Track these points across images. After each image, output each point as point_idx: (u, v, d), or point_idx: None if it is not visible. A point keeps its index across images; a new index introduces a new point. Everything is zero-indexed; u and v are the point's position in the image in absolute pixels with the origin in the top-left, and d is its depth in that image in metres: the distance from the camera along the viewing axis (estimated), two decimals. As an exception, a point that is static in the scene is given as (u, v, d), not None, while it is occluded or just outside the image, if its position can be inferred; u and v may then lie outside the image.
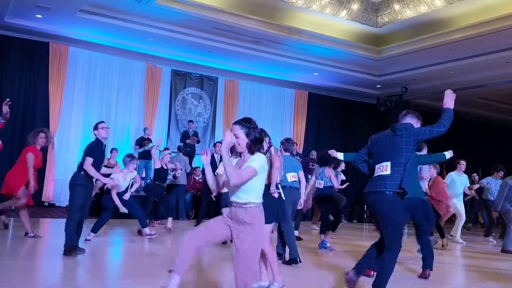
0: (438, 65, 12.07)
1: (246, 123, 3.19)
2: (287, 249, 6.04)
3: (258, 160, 3.12)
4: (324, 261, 6.55)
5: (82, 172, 5.72)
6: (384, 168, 4.02)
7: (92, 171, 5.70)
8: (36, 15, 9.92)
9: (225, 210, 3.31)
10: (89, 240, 6.79)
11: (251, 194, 3.13)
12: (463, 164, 9.33)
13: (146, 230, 7.42)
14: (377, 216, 4.16)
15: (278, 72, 13.56)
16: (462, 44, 10.55)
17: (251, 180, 3.09)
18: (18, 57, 11.18)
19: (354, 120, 15.93)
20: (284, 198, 4.89)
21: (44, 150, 10.45)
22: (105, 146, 6.02)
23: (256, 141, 3.17)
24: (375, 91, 14.95)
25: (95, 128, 5.93)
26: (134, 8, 9.69)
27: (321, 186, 7.49)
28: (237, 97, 14.06)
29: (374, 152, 4.26)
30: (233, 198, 3.17)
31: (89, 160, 5.68)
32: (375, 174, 4.10)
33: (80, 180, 5.72)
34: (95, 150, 5.84)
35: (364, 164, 4.43)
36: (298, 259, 5.94)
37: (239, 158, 3.28)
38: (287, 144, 6.47)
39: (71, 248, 5.60)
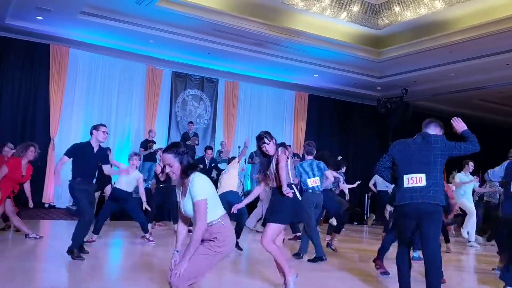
0: (438, 67, 12.08)
1: (177, 149, 3.12)
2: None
3: (198, 187, 3.08)
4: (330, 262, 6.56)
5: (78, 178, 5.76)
6: (419, 180, 4.05)
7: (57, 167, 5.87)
8: (37, 17, 9.93)
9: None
10: (93, 241, 6.81)
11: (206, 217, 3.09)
12: (471, 165, 9.20)
13: (147, 235, 7.42)
14: (422, 226, 4.09)
15: (279, 74, 13.57)
16: (462, 46, 10.57)
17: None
18: (18, 58, 11.19)
19: (355, 122, 15.93)
20: (300, 198, 4.81)
21: (44, 152, 10.51)
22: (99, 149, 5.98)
23: (190, 167, 3.12)
24: (375, 93, 14.95)
25: (96, 128, 5.84)
26: (135, 10, 9.70)
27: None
28: (237, 99, 14.06)
29: (401, 160, 4.24)
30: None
31: (63, 159, 5.82)
32: (408, 185, 4.10)
33: (75, 186, 5.77)
34: (78, 152, 5.83)
35: (388, 171, 4.41)
36: (323, 257, 6.25)
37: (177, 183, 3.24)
38: (308, 147, 6.56)
39: (73, 250, 5.58)
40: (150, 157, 11.23)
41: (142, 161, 11.36)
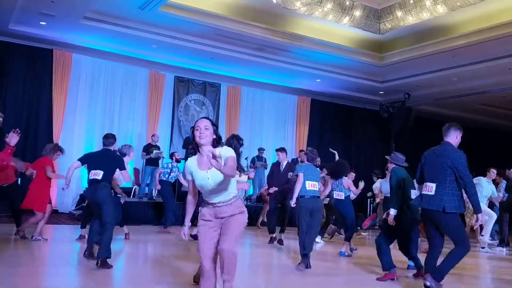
0: (440, 71, 12.08)
1: (214, 122, 3.53)
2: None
3: (229, 150, 3.39)
4: (334, 267, 6.53)
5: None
6: (430, 189, 4.63)
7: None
8: (40, 22, 9.98)
9: (204, 215, 3.43)
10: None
11: (232, 190, 3.41)
12: (493, 172, 9.18)
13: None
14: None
15: (281, 78, 13.59)
16: (465, 51, 10.57)
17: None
18: (22, 63, 11.24)
19: (357, 126, 15.93)
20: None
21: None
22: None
23: (220, 139, 3.48)
24: (377, 97, 14.95)
25: (115, 141, 6.13)
26: (138, 15, 9.74)
27: (342, 198, 7.56)
28: (239, 104, 14.08)
29: (423, 167, 4.82)
30: (215, 200, 3.39)
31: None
32: (423, 192, 4.69)
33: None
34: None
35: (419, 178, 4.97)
36: (308, 264, 6.06)
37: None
38: (311, 155, 6.61)
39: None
40: (152, 162, 11.23)
41: (144, 165, 11.38)
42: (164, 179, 9.77)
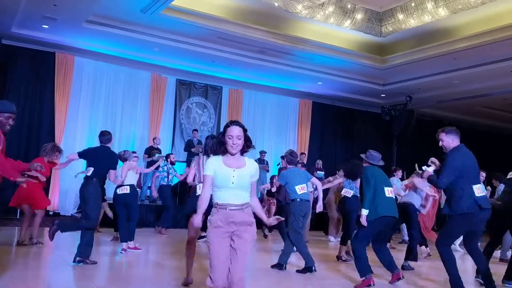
0: (442, 74, 12.07)
1: (245, 128, 3.46)
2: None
3: (258, 170, 3.48)
4: (337, 270, 6.53)
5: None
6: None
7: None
8: (43, 26, 10.01)
9: (215, 222, 3.30)
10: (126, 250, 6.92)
11: (247, 196, 3.38)
12: (482, 175, 9.03)
13: (124, 245, 7.16)
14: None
15: (283, 81, 13.60)
16: (466, 54, 10.57)
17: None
18: (24, 66, 11.26)
19: (359, 129, 15.92)
20: None
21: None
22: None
23: (250, 144, 3.47)
24: (379, 100, 14.95)
25: (112, 138, 6.17)
26: (140, 18, 9.77)
27: (350, 195, 7.36)
28: (241, 106, 14.10)
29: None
30: (229, 202, 3.29)
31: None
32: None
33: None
34: None
35: None
36: (313, 268, 6.00)
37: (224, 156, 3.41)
38: (291, 157, 6.53)
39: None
40: (154, 164, 11.22)
41: (145, 167, 11.37)
42: (164, 183, 9.80)
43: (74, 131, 11.75)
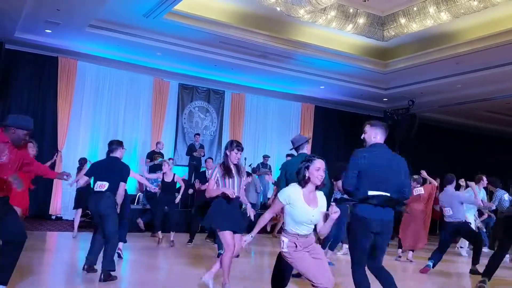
0: (444, 78, 12.04)
1: None
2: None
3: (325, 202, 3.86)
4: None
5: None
6: None
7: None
8: (46, 30, 10.05)
9: (294, 246, 3.74)
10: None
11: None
12: (485, 180, 8.84)
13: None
14: None
15: (285, 85, 13.61)
16: (469, 58, 10.55)
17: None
18: (27, 71, 11.30)
19: (361, 133, 15.85)
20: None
21: (52, 164, 10.56)
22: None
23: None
24: (382, 104, 14.94)
25: (122, 147, 5.86)
26: (142, 23, 9.79)
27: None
28: (243, 111, 14.10)
29: None
30: (305, 232, 3.70)
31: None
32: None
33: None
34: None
35: None
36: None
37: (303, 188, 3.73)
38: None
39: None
40: (156, 169, 11.23)
41: (148, 172, 11.37)
42: None
43: (77, 135, 11.77)
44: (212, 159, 10.43)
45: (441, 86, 12.61)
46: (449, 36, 10.42)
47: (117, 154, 5.81)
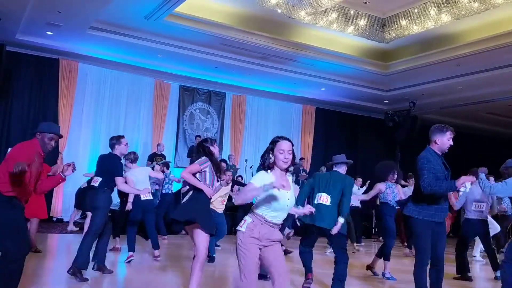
0: (445, 80, 12.05)
1: None
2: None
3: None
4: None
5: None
6: None
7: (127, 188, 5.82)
8: (47, 32, 10.07)
9: (253, 233, 3.26)
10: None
11: None
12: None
13: (156, 252, 7.16)
14: None
15: (286, 87, 13.61)
16: (470, 59, 10.55)
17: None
18: (29, 73, 11.32)
19: (362, 135, 15.90)
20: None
21: (53, 166, 10.56)
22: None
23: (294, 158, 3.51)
24: (382, 106, 14.93)
25: (119, 143, 5.75)
26: (144, 25, 9.81)
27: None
28: (244, 112, 14.11)
29: None
30: (277, 220, 3.34)
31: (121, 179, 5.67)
32: None
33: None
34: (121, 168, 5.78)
35: None
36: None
37: (271, 172, 3.38)
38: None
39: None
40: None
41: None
42: (169, 192, 9.76)
43: (78, 137, 11.78)
44: None
45: (442, 88, 12.61)
46: (450, 38, 10.42)
47: (114, 149, 5.78)
